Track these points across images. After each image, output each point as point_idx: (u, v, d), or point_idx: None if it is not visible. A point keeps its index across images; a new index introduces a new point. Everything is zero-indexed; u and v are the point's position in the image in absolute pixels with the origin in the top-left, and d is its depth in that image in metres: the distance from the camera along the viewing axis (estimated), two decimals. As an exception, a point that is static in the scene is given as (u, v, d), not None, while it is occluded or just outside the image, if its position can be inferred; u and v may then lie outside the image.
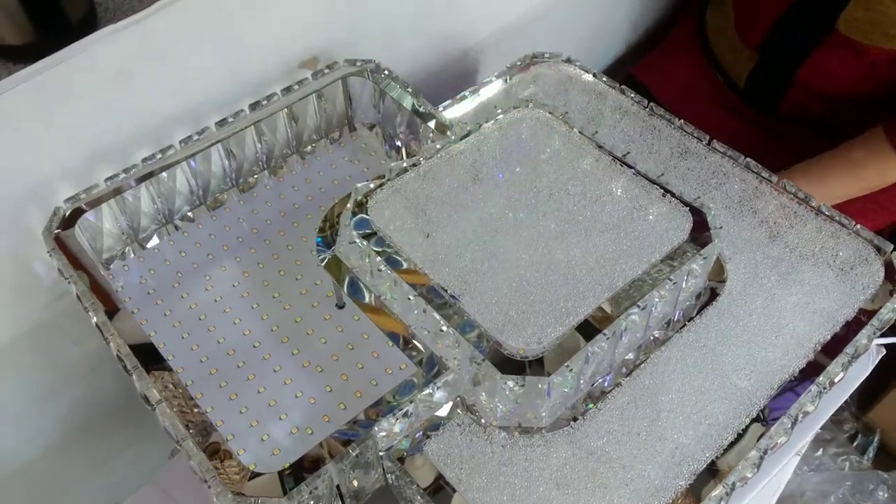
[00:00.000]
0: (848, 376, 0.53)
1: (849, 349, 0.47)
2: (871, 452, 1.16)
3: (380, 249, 0.47)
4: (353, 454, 0.41)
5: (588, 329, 0.44)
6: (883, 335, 0.56)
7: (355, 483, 0.43)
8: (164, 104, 0.59)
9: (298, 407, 0.49)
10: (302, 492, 0.40)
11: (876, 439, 1.17)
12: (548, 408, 0.43)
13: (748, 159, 0.57)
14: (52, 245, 0.51)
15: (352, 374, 0.50)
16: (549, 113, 0.55)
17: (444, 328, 0.44)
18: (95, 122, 0.56)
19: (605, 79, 0.64)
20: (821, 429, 1.19)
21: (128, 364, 0.45)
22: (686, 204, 0.49)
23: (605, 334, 0.43)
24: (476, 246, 0.48)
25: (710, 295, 0.50)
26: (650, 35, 1.08)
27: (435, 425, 0.45)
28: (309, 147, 0.65)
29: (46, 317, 0.60)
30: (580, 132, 0.54)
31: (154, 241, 0.58)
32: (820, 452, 1.16)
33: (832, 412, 0.55)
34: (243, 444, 0.47)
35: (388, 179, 0.51)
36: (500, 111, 0.56)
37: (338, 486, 0.42)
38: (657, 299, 0.45)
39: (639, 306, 0.44)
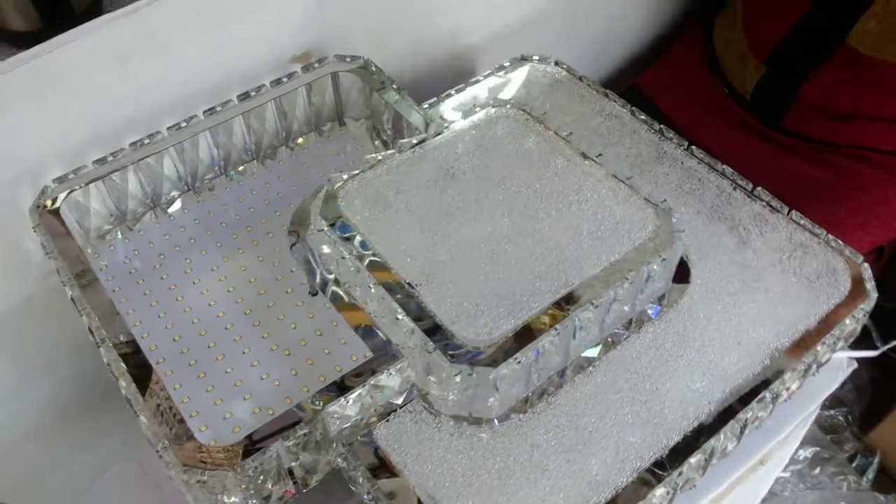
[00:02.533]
0: (811, 387, 0.53)
1: (806, 358, 0.47)
2: (870, 474, 1.15)
3: (346, 238, 0.49)
4: (301, 433, 0.42)
5: (542, 323, 0.44)
6: (859, 349, 0.56)
7: (304, 462, 0.44)
8: (157, 92, 0.61)
9: (263, 388, 0.50)
10: (247, 467, 0.41)
11: (876, 461, 1.15)
12: (497, 399, 0.44)
13: (725, 166, 0.57)
14: (37, 221, 0.53)
15: (318, 359, 0.51)
16: (527, 113, 0.56)
17: (400, 317, 0.45)
18: (89, 107, 0.58)
19: (591, 83, 0.64)
20: (819, 447, 1.18)
21: (97, 336, 0.47)
22: (652, 204, 0.49)
23: (556, 329, 0.44)
24: (440, 239, 0.49)
25: (673, 297, 0.51)
26: (654, 47, 1.09)
27: (388, 411, 0.46)
28: (299, 139, 0.66)
29: (36, 294, 0.62)
30: (555, 132, 0.55)
31: (141, 223, 0.60)
32: (818, 471, 1.14)
33: (797, 423, 0.55)
34: (206, 421, 0.48)
35: (361, 171, 0.53)
36: (477, 109, 0.57)
37: (288, 466, 0.43)
38: (613, 298, 0.46)
39: (593, 304, 0.45)
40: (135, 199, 0.59)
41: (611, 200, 0.50)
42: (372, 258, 0.48)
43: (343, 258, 0.48)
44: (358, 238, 0.49)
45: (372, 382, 0.44)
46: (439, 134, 0.55)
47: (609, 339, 0.49)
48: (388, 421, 0.46)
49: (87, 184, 0.55)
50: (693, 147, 0.59)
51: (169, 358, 0.52)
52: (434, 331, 0.44)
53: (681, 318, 0.50)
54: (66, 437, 0.76)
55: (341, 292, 0.50)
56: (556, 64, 0.66)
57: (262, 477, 0.43)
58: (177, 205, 0.61)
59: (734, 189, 0.56)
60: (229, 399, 0.49)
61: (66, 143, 0.58)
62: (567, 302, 0.46)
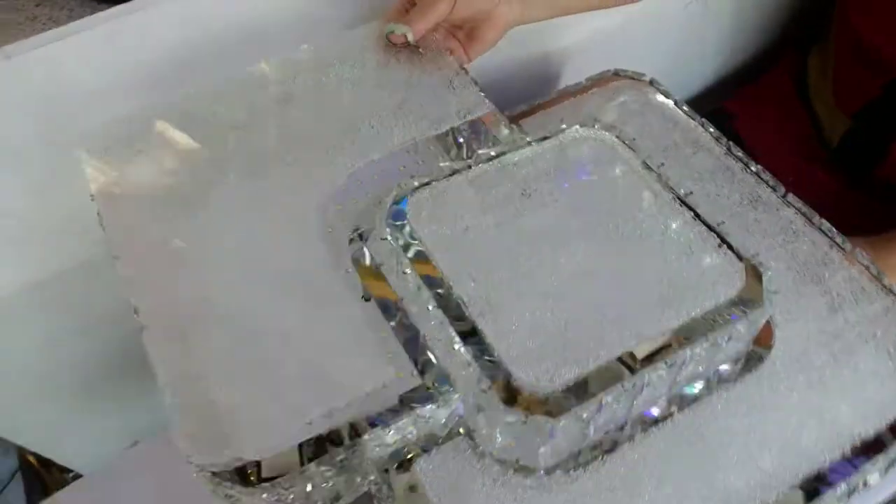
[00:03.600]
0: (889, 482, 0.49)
1: (892, 451, 0.43)
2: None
3: (408, 250, 0.46)
4: (338, 458, 0.40)
5: (608, 376, 0.41)
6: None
7: (335, 485, 0.41)
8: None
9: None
10: (276, 487, 0.39)
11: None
12: (549, 450, 0.41)
13: (823, 220, 0.53)
14: (96, 187, 0.51)
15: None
16: (616, 136, 0.52)
17: (457, 346, 0.42)
18: (160, 70, 0.56)
19: (686, 108, 0.60)
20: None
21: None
22: (742, 259, 0.45)
23: (622, 385, 0.40)
24: (508, 264, 0.46)
25: (753, 361, 0.47)
26: (746, 69, 1.02)
27: (430, 443, 0.43)
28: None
29: (95, 256, 0.61)
30: (644, 163, 0.50)
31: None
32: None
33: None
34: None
35: (434, 180, 0.49)
36: (564, 126, 0.53)
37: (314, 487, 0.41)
38: (689, 357, 0.42)
39: (666, 363, 0.41)
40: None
41: (698, 247, 0.46)
42: (433, 276, 0.45)
43: (404, 273, 0.45)
44: (422, 252, 0.46)
45: (418, 412, 0.42)
46: (520, 149, 0.51)
47: (678, 398, 0.45)
48: (429, 454, 0.43)
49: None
50: (790, 195, 0.54)
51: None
52: (491, 367, 0.41)
53: (758, 385, 0.46)
54: (103, 395, 0.75)
55: (395, 305, 0.48)
56: (651, 83, 0.62)
57: (288, 496, 0.40)
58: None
59: (830, 247, 0.51)
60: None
61: (131, 106, 0.56)
62: (640, 354, 0.42)
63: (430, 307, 0.43)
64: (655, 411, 0.44)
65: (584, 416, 0.39)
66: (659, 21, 0.80)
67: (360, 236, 0.49)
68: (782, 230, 0.53)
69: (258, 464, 0.40)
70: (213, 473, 0.39)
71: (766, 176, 0.55)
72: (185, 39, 0.57)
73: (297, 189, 0.54)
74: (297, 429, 0.42)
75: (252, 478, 0.40)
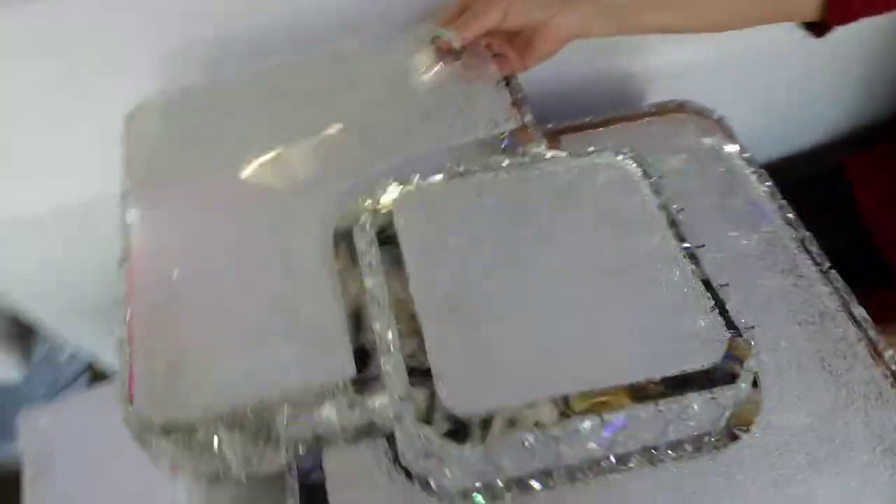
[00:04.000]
0: None
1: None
2: None
3: (386, 246, 0.45)
4: (251, 429, 0.40)
5: (533, 415, 0.38)
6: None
7: (245, 453, 0.42)
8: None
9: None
10: (192, 443, 0.40)
11: None
12: (456, 474, 0.39)
13: (862, 309, 0.46)
14: (128, 129, 0.54)
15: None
16: (642, 169, 0.48)
17: (393, 349, 0.41)
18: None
19: (749, 158, 0.54)
20: None
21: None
22: (732, 328, 0.41)
23: (544, 429, 0.37)
24: (481, 279, 0.44)
25: (718, 440, 0.42)
26: (869, 130, 0.91)
27: (350, 437, 0.42)
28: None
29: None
30: (663, 203, 0.46)
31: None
32: None
33: None
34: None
35: (433, 180, 0.48)
36: (592, 149, 0.50)
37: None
38: (623, 424, 0.38)
39: (602, 418, 0.38)
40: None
41: (688, 306, 0.42)
42: (398, 273, 0.44)
43: (370, 265, 0.44)
44: (398, 249, 0.45)
45: (343, 404, 0.41)
46: (535, 163, 0.49)
47: (623, 458, 0.42)
48: (341, 446, 0.42)
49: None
50: (833, 272, 0.48)
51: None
52: (418, 378, 0.39)
53: (719, 471, 0.41)
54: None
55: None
56: (718, 120, 0.56)
57: (206, 454, 0.41)
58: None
59: (859, 340, 0.45)
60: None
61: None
62: (581, 403, 0.39)
63: (383, 305, 0.42)
64: (588, 466, 0.41)
65: (494, 448, 0.37)
66: (765, 55, 0.73)
67: (348, 218, 0.48)
68: (810, 308, 0.47)
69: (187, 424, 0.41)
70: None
71: (813, 247, 0.49)
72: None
73: (311, 177, 0.53)
74: (227, 395, 0.43)
75: (171, 433, 0.41)
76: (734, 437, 0.42)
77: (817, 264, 0.48)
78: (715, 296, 0.42)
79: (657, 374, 0.39)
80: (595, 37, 0.54)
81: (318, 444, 0.43)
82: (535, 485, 0.40)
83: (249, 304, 0.47)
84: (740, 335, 0.40)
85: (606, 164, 0.49)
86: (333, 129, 0.55)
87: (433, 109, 0.55)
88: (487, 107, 0.54)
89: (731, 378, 0.39)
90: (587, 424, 0.38)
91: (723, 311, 0.41)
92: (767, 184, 0.53)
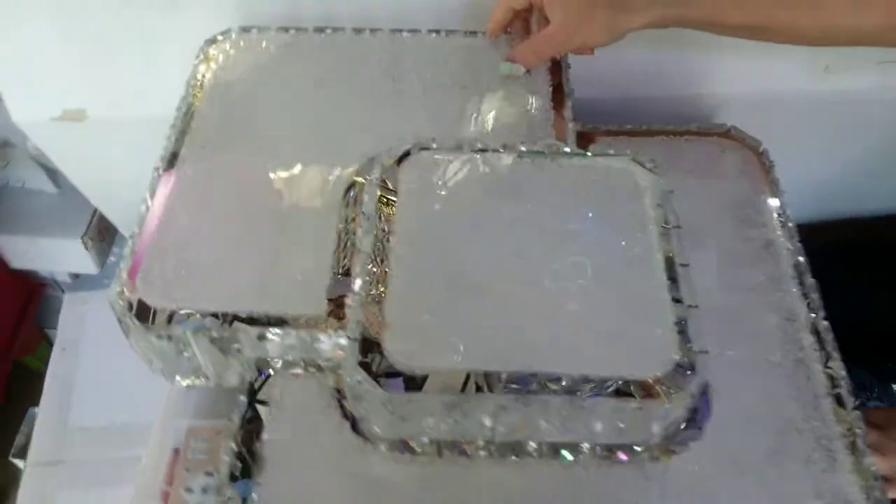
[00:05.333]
0: None
1: None
2: None
3: (386, 198, 0.47)
4: (213, 335, 0.44)
5: (465, 385, 0.40)
6: None
7: (212, 358, 0.45)
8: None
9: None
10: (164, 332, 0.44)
11: None
12: (385, 423, 0.41)
13: (841, 365, 0.44)
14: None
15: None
16: (653, 182, 0.48)
17: (358, 288, 0.43)
18: None
19: (779, 192, 0.53)
20: None
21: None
22: (686, 350, 0.40)
23: (465, 395, 0.39)
24: (460, 252, 0.45)
25: (655, 455, 0.42)
26: None
27: (309, 367, 0.45)
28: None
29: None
30: (661, 218, 0.46)
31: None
32: None
33: None
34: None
35: (454, 150, 0.50)
36: (612, 152, 0.50)
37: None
38: (550, 408, 0.39)
39: (523, 401, 0.39)
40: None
41: (652, 315, 0.42)
42: (386, 227, 0.46)
43: (365, 215, 0.47)
44: (394, 204, 0.47)
45: (302, 334, 0.44)
46: (552, 154, 0.50)
47: (549, 449, 0.42)
48: (292, 372, 0.45)
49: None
50: (826, 321, 0.46)
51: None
52: (370, 324, 0.42)
53: (642, 484, 0.41)
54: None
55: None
56: (761, 154, 0.55)
57: (179, 345, 0.45)
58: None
59: (826, 396, 0.43)
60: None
61: None
62: (521, 381, 0.40)
63: (363, 253, 0.45)
64: (508, 446, 0.42)
65: (420, 405, 0.39)
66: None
67: (361, 174, 0.51)
68: (787, 352, 0.46)
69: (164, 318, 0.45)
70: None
71: (814, 296, 0.47)
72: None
73: (340, 141, 0.56)
74: (210, 302, 0.46)
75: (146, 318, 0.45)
76: (668, 454, 0.42)
77: (812, 311, 0.47)
78: (680, 314, 0.42)
79: (593, 372, 0.40)
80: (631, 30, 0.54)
81: (274, 367, 0.46)
82: (448, 452, 0.42)
83: (256, 233, 0.50)
84: (690, 358, 0.40)
85: (620, 169, 0.49)
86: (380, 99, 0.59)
87: (472, 86, 0.56)
88: (526, 92, 0.56)
89: (660, 400, 0.39)
90: (508, 403, 0.39)
91: (682, 331, 0.41)
92: (789, 224, 0.51)
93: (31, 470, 0.66)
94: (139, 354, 0.47)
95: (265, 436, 0.42)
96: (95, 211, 0.99)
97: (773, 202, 0.52)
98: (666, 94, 0.69)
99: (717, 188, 0.53)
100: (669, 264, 0.44)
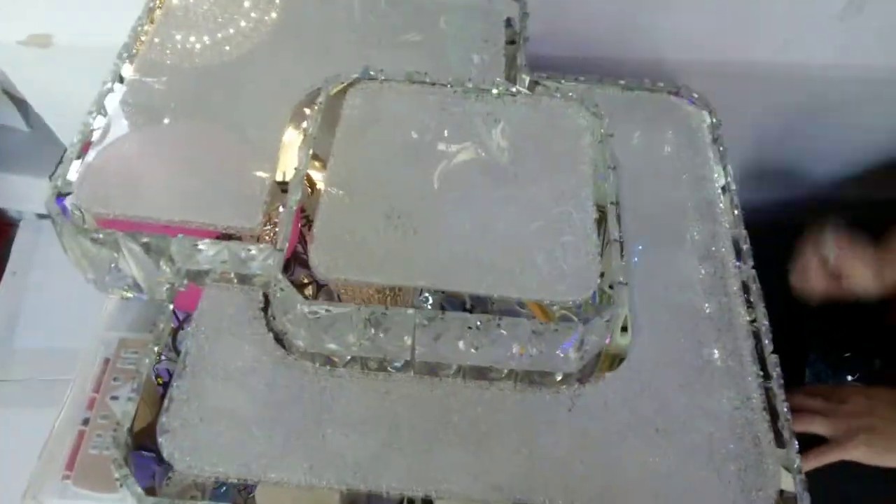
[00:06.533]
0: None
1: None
2: None
3: (327, 121, 0.48)
4: (145, 240, 0.44)
5: (393, 299, 0.40)
6: None
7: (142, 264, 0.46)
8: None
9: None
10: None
11: None
12: (304, 335, 0.42)
13: (763, 321, 0.45)
14: None
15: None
16: (595, 125, 0.49)
17: (292, 203, 0.43)
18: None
19: (722, 150, 0.53)
20: None
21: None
22: (604, 281, 0.41)
23: (385, 313, 0.39)
24: (391, 176, 0.46)
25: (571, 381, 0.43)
26: None
27: (238, 280, 0.46)
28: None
29: None
30: (597, 158, 0.47)
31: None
32: None
33: None
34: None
35: (401, 82, 0.50)
36: (559, 95, 0.51)
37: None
38: (465, 330, 0.40)
39: (440, 319, 0.39)
40: None
41: (576, 246, 0.43)
42: (325, 151, 0.47)
43: (307, 135, 0.47)
44: (334, 126, 0.47)
45: (232, 245, 0.44)
46: (500, 92, 0.50)
47: (466, 368, 0.43)
48: (220, 287, 0.45)
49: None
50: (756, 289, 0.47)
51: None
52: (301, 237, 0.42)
53: (561, 403, 0.42)
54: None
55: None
56: (709, 113, 0.55)
57: (112, 252, 0.45)
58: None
59: (751, 345, 0.44)
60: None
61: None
62: (440, 300, 0.41)
63: (300, 171, 0.45)
64: (436, 365, 0.42)
65: (339, 318, 0.39)
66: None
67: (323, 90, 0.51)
68: (712, 297, 0.46)
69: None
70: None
71: (745, 247, 0.48)
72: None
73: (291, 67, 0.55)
74: (143, 209, 0.47)
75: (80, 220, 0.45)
76: (583, 380, 0.43)
77: (747, 296, 0.47)
78: (603, 245, 0.43)
79: (513, 295, 0.41)
80: None
81: (204, 279, 0.46)
82: (368, 367, 0.43)
83: (197, 148, 0.50)
84: (609, 287, 0.41)
85: (563, 109, 0.50)
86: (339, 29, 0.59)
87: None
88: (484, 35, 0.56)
89: (584, 319, 0.40)
90: (426, 319, 0.39)
91: (604, 262, 0.42)
92: (734, 197, 0.51)
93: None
94: (73, 262, 0.47)
95: (188, 342, 0.42)
96: (66, 150, 0.99)
97: (717, 162, 0.53)
98: (625, 57, 0.70)
99: (662, 142, 0.54)
100: (599, 201, 0.45)
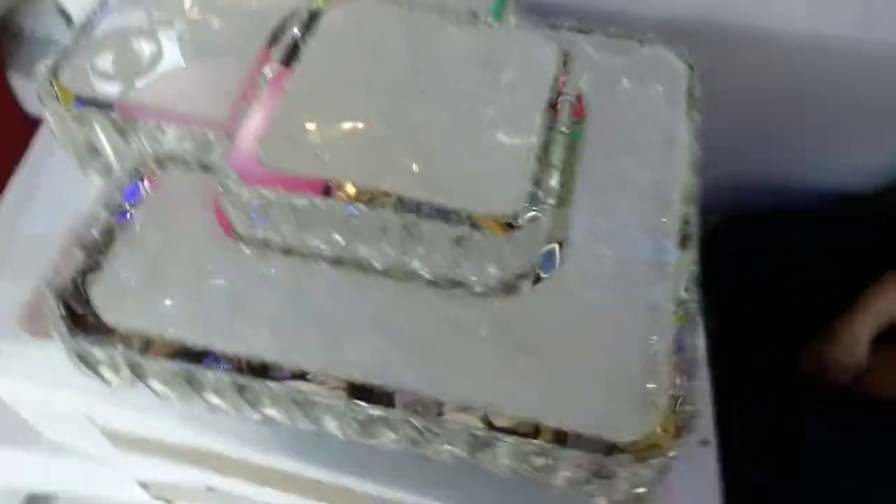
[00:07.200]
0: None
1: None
2: None
3: (302, 37, 0.50)
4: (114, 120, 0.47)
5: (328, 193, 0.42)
6: None
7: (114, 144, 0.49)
8: None
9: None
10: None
11: None
12: (245, 222, 0.44)
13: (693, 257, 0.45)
14: None
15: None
16: (562, 58, 0.49)
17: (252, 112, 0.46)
18: None
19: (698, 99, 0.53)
20: None
21: None
22: (533, 200, 0.42)
23: (315, 202, 0.41)
24: (358, 88, 0.48)
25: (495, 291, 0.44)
26: None
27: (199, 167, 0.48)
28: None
29: None
30: (556, 88, 0.48)
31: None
32: None
33: None
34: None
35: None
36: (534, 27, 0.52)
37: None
38: (389, 230, 0.41)
39: (368, 215, 0.41)
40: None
41: (515, 168, 0.44)
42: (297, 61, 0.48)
43: (279, 52, 0.49)
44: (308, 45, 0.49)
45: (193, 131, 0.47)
46: (475, 21, 0.51)
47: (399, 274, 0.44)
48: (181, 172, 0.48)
49: None
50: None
51: None
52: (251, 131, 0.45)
53: (480, 316, 0.43)
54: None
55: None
56: (689, 68, 0.55)
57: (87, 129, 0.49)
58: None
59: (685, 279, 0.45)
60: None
61: None
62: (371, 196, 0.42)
63: (272, 73, 0.47)
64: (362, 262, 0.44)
65: (277, 204, 0.42)
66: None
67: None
68: (652, 233, 0.47)
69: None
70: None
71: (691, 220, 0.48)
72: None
73: None
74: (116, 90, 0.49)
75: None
76: (506, 293, 0.44)
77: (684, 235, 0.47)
78: (541, 173, 0.43)
79: (442, 201, 0.42)
80: None
81: (166, 164, 0.49)
82: (299, 258, 0.45)
83: (184, 43, 0.52)
84: (536, 205, 0.42)
85: (534, 40, 0.51)
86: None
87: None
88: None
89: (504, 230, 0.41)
90: (354, 214, 0.41)
91: (537, 184, 0.43)
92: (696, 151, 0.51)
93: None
94: (57, 139, 0.51)
95: (139, 215, 0.46)
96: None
97: (689, 117, 0.53)
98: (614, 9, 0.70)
99: (637, 90, 0.54)
100: (548, 127, 0.46)
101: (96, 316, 0.42)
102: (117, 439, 0.55)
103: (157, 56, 0.51)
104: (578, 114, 0.50)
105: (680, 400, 0.40)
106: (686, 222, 0.47)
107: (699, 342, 0.46)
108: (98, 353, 0.42)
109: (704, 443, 0.52)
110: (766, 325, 0.80)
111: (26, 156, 0.62)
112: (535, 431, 0.38)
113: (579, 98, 0.50)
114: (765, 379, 0.77)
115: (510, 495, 0.47)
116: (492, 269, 0.43)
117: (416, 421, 0.39)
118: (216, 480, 0.59)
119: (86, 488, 0.73)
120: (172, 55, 0.51)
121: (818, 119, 0.77)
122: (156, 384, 0.43)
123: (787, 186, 0.83)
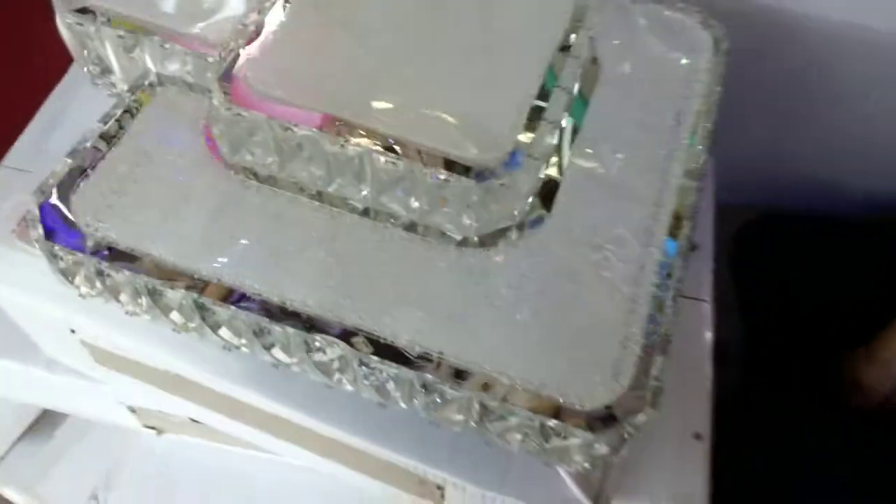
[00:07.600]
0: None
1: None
2: None
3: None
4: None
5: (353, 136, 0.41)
6: None
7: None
8: None
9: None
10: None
11: None
12: (232, 146, 0.44)
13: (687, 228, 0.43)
14: None
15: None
16: (578, 15, 0.47)
17: (247, 22, 0.45)
18: None
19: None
20: None
21: None
22: (520, 146, 0.41)
23: (293, 130, 0.41)
24: (361, 23, 0.47)
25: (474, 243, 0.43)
26: None
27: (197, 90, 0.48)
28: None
29: None
30: (566, 42, 0.46)
31: None
32: None
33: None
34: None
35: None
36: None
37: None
38: (369, 169, 0.40)
39: (350, 153, 0.40)
40: None
41: (516, 117, 0.42)
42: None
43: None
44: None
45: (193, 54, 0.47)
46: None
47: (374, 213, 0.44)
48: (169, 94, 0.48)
49: None
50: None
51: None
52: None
53: (458, 265, 0.42)
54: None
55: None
56: (717, 41, 0.52)
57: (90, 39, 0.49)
58: None
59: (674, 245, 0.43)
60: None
61: None
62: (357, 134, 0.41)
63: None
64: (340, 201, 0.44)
65: (244, 121, 0.41)
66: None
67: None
68: (648, 185, 0.45)
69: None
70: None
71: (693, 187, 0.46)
72: None
73: None
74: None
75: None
76: (487, 244, 0.43)
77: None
78: (538, 126, 0.42)
79: (427, 144, 0.41)
80: None
81: (157, 86, 0.49)
82: (282, 188, 0.44)
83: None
84: (526, 151, 0.40)
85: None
86: None
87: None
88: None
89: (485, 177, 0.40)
90: (338, 151, 0.41)
91: (535, 118, 0.42)
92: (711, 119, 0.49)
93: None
94: (72, 53, 0.51)
95: (130, 126, 0.46)
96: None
97: (707, 91, 0.50)
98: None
99: (657, 55, 0.51)
100: (550, 80, 0.44)
101: (73, 223, 0.42)
102: (98, 355, 0.56)
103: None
104: (586, 71, 0.47)
105: (646, 376, 0.38)
106: (683, 195, 0.44)
107: (706, 333, 0.43)
108: (70, 259, 0.42)
109: (697, 436, 0.50)
110: (791, 326, 0.76)
111: (63, 79, 0.64)
112: (485, 386, 0.37)
113: (591, 56, 0.48)
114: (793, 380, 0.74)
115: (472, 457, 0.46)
116: (470, 219, 0.41)
117: (364, 359, 0.38)
118: (197, 412, 0.60)
119: (82, 408, 0.74)
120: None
121: (856, 117, 0.72)
122: (124, 297, 0.43)
123: (822, 186, 0.79)
